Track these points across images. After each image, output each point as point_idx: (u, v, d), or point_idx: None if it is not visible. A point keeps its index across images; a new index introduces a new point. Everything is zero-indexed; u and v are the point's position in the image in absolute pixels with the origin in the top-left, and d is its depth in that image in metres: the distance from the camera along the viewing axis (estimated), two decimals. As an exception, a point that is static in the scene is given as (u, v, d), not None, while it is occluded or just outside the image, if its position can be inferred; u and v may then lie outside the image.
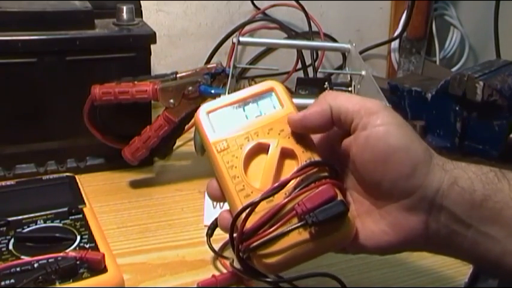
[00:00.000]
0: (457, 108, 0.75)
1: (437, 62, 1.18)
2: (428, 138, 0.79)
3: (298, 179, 0.42)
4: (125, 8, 0.75)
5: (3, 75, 0.67)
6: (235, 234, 0.41)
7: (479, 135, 0.75)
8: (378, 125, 0.41)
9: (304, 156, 0.44)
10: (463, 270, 0.54)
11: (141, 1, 0.80)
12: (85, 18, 0.72)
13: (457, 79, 0.74)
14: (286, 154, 0.44)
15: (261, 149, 0.45)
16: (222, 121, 0.46)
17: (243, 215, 0.41)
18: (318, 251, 0.42)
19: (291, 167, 0.43)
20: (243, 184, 0.43)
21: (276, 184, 0.42)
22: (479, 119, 0.75)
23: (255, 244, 0.40)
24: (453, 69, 1.19)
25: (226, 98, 0.48)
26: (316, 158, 0.44)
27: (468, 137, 0.76)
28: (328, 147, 0.46)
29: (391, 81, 0.88)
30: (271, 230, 0.40)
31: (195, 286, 0.53)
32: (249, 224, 0.41)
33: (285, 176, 0.43)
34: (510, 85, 0.72)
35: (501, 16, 1.11)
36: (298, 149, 0.44)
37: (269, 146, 0.44)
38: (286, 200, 0.41)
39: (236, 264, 0.43)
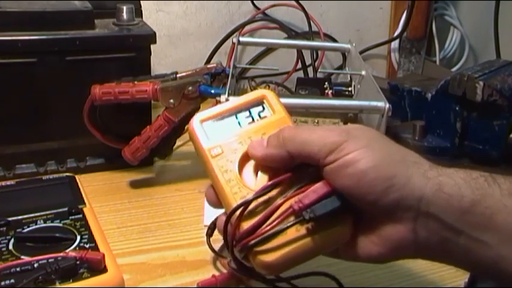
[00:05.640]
0: (457, 108, 0.75)
1: (437, 62, 1.18)
2: (428, 138, 0.80)
3: (292, 178, 0.42)
4: (124, 8, 0.75)
5: (3, 75, 0.67)
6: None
7: (479, 135, 0.75)
8: (343, 156, 0.40)
9: None
10: (463, 270, 0.54)
11: (141, 1, 0.80)
12: (85, 18, 0.72)
13: (457, 79, 0.73)
14: None
15: None
16: (216, 129, 0.47)
17: (237, 213, 0.41)
18: (315, 248, 0.42)
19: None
20: (238, 187, 0.43)
21: (270, 182, 0.42)
22: (479, 119, 0.75)
23: (252, 242, 0.40)
24: (453, 69, 1.19)
25: (218, 107, 0.49)
26: None
27: (468, 137, 0.76)
28: None
29: (391, 81, 0.88)
30: (268, 227, 0.40)
31: (195, 286, 0.53)
32: (246, 224, 0.41)
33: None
34: (510, 85, 0.72)
35: (501, 16, 1.11)
36: None
37: None
38: (283, 199, 0.41)
39: (233, 264, 0.43)
